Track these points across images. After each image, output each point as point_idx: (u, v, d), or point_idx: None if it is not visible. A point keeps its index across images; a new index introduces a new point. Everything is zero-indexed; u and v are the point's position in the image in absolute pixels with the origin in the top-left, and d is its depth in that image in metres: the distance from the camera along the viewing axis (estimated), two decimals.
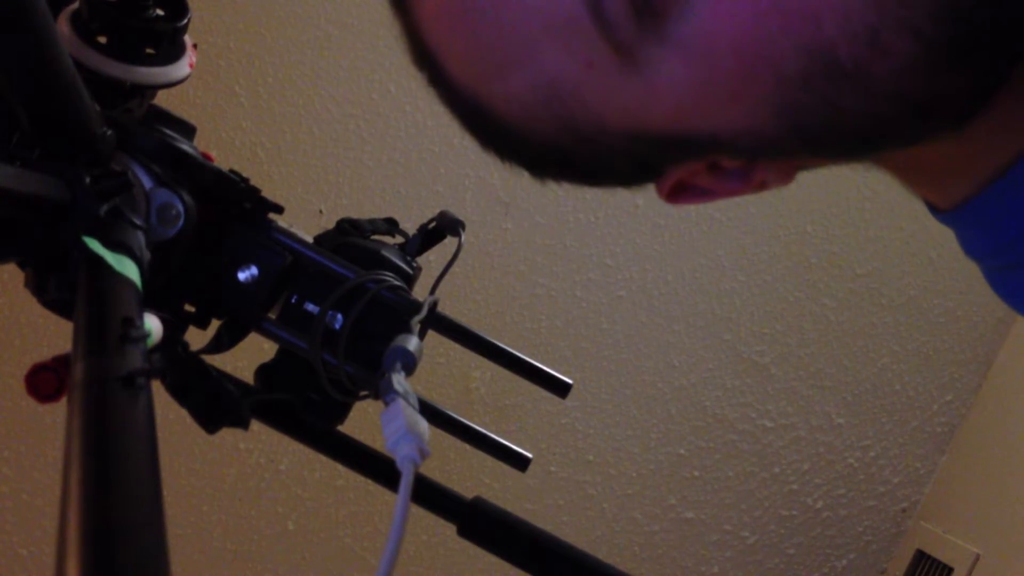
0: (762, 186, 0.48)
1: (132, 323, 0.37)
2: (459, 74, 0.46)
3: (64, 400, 0.39)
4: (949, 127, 0.43)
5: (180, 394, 0.58)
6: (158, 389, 0.41)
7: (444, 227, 0.64)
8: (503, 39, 0.43)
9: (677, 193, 0.50)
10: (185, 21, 0.60)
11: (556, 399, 0.70)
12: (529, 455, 0.68)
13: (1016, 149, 0.46)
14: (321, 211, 1.45)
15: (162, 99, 0.60)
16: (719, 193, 0.49)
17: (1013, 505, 1.72)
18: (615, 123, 0.45)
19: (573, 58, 0.42)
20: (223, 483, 1.48)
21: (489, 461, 0.68)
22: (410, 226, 0.65)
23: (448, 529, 0.63)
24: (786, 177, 0.48)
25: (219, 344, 0.59)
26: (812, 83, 0.40)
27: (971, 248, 0.52)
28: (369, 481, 0.64)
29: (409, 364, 0.50)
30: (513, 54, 0.43)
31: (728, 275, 1.71)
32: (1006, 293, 0.53)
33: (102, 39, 0.58)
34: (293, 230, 0.58)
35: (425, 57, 0.47)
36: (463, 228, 0.64)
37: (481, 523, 0.63)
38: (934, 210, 0.52)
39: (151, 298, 0.54)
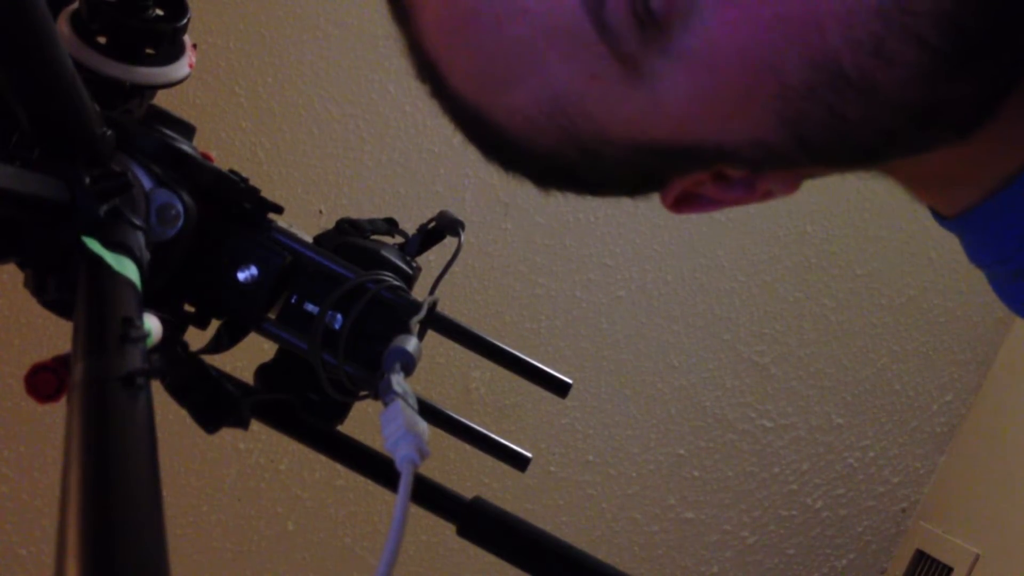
0: (767, 195, 0.48)
1: (132, 323, 0.37)
2: (461, 86, 0.46)
3: (64, 400, 0.39)
4: (953, 136, 0.43)
5: (180, 394, 0.58)
6: (158, 389, 0.41)
7: (444, 227, 0.64)
8: (506, 51, 0.42)
9: (682, 203, 0.50)
10: (185, 21, 0.60)
11: (556, 399, 0.70)
12: (529, 455, 0.68)
13: (1022, 158, 0.46)
14: (321, 211, 1.45)
15: (162, 99, 0.60)
16: (724, 202, 0.49)
17: (1013, 505, 1.72)
18: (619, 134, 0.44)
19: (577, 70, 0.42)
20: (223, 483, 1.48)
21: (489, 461, 0.68)
22: (410, 226, 0.65)
23: (448, 529, 0.63)
24: (791, 186, 0.48)
25: (219, 344, 0.59)
26: (817, 93, 0.40)
27: (976, 255, 0.52)
28: (369, 481, 0.64)
29: (408, 364, 0.50)
30: (516, 66, 0.43)
31: (728, 275, 1.71)
32: (1010, 299, 0.52)
33: (102, 39, 0.58)
34: (293, 230, 0.58)
35: (427, 69, 0.47)
36: (463, 228, 0.64)
37: (481, 523, 0.63)
38: (939, 217, 0.52)
39: (151, 298, 0.54)
